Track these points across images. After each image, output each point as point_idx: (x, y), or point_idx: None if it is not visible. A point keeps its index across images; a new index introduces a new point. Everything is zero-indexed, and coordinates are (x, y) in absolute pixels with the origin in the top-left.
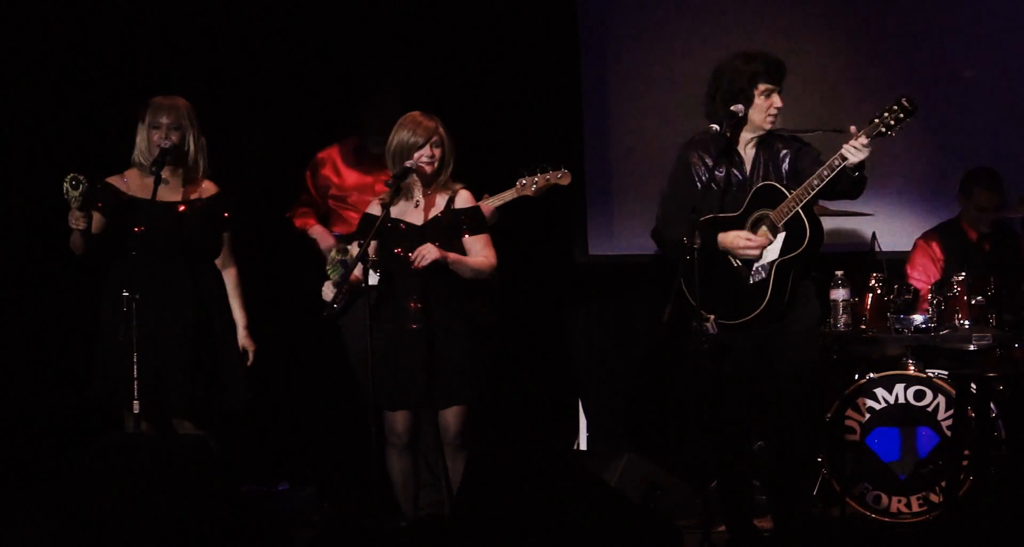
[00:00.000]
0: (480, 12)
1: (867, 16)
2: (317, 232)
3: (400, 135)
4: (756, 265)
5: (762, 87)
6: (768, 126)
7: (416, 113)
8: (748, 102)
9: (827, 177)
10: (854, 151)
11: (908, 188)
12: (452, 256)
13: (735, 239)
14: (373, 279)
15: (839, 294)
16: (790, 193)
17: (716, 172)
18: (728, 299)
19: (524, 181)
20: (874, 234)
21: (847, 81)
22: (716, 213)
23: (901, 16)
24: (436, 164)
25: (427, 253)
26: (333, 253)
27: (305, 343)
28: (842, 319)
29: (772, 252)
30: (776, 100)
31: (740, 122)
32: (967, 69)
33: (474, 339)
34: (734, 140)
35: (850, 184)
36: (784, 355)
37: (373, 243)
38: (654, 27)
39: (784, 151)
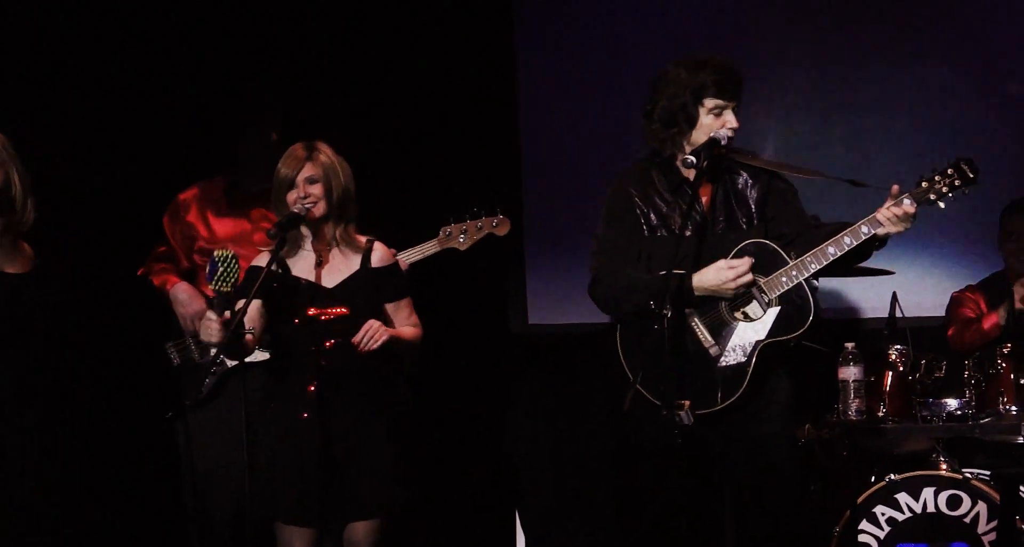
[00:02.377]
0: (399, 24)
1: (880, 18)
2: (182, 291)
3: (276, 174)
4: (732, 344)
5: (710, 103)
6: (723, 152)
7: (297, 144)
8: (691, 122)
9: (848, 246)
10: (895, 220)
11: (937, 238)
12: (397, 333)
13: (718, 274)
14: (260, 355)
15: (850, 373)
16: (791, 258)
17: (665, 211)
18: (692, 384)
19: (450, 230)
20: (894, 296)
21: (850, 107)
22: (671, 265)
23: (929, 17)
24: (320, 207)
25: (377, 333)
26: (217, 255)
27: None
28: (854, 404)
29: (757, 330)
30: (730, 119)
31: (711, 150)
32: (1019, 88)
33: (390, 433)
34: (699, 177)
35: (865, 255)
36: (755, 452)
37: (258, 305)
38: (606, 45)
39: (749, 182)
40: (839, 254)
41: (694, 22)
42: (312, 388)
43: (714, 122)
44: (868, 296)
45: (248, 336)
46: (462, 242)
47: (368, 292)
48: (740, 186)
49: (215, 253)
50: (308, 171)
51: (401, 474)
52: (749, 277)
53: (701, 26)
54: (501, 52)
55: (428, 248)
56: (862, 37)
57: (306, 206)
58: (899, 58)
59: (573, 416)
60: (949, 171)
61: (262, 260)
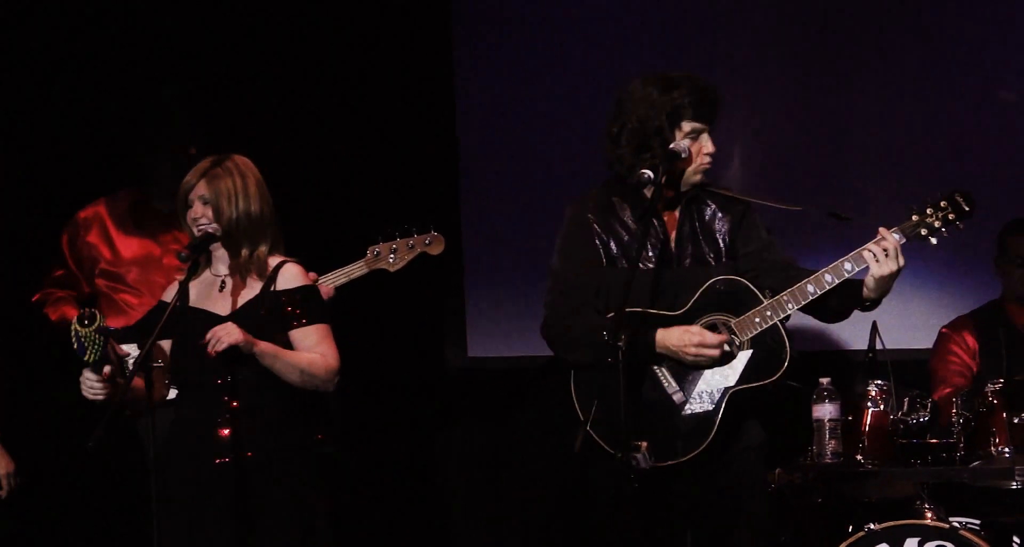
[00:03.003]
0: (331, 30)
1: (858, 27)
2: None
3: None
4: (699, 390)
5: (687, 127)
6: (697, 179)
7: (212, 156)
8: (666, 147)
9: (829, 285)
10: (881, 259)
11: (924, 261)
12: (265, 345)
13: (683, 337)
14: (169, 393)
15: (825, 411)
16: (765, 298)
17: (627, 241)
18: (652, 432)
19: (378, 249)
20: (875, 326)
21: (829, 125)
22: (628, 298)
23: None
24: (217, 228)
25: (224, 334)
26: (76, 323)
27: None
28: (829, 446)
29: (727, 375)
30: (707, 144)
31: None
32: (1010, 95)
33: (310, 480)
34: (656, 197)
35: (848, 307)
36: (722, 498)
37: (167, 342)
38: (552, 60)
39: (718, 215)
40: (818, 293)
41: (648, 35)
42: (223, 432)
43: (691, 146)
44: (846, 326)
45: (156, 372)
46: (392, 262)
47: (267, 318)
48: (708, 217)
49: (73, 328)
50: (201, 189)
51: (323, 526)
52: (715, 353)
53: (656, 40)
54: (439, 62)
55: (354, 270)
56: (841, 46)
57: (202, 228)
58: (883, 67)
59: (517, 460)
60: (942, 204)
61: (169, 294)
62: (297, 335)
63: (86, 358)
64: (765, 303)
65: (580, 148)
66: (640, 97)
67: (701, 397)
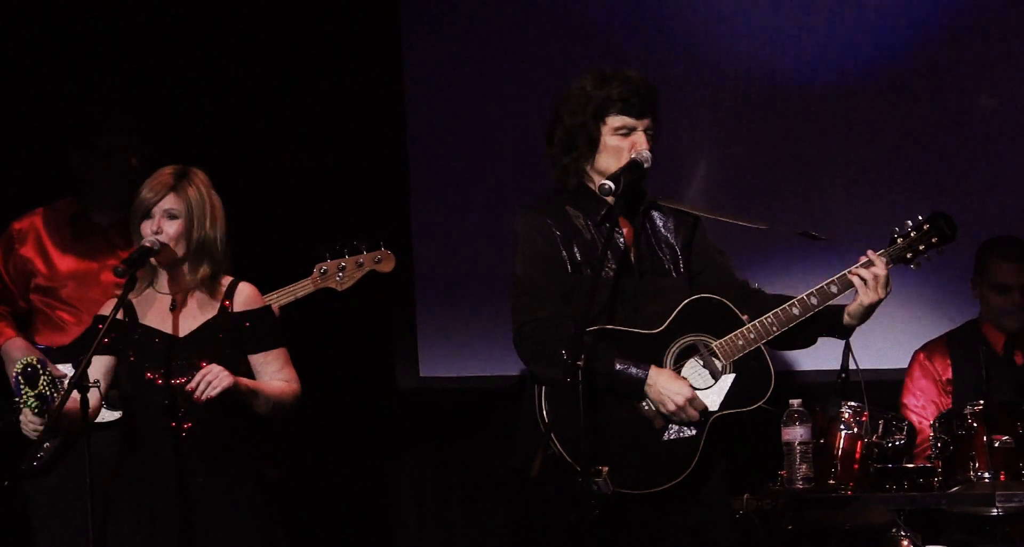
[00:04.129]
0: (278, 37)
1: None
2: (16, 348)
3: (138, 193)
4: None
5: (614, 122)
6: (641, 178)
7: (167, 168)
8: (593, 144)
9: (815, 307)
10: (871, 285)
11: (900, 277)
12: (248, 383)
13: (670, 392)
14: (109, 415)
15: (796, 434)
16: (744, 319)
17: (588, 249)
18: (626, 457)
19: (325, 267)
20: (848, 345)
21: (801, 137)
22: (590, 310)
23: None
24: (174, 246)
25: (216, 378)
26: (20, 367)
27: None
28: (800, 471)
29: (710, 400)
30: (640, 140)
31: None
32: (990, 102)
33: (262, 508)
34: (617, 207)
35: (823, 334)
36: (685, 525)
37: (106, 359)
38: (506, 62)
39: (671, 225)
40: (805, 316)
41: (609, 40)
42: (170, 454)
43: (621, 143)
44: (817, 345)
45: (93, 391)
46: (340, 281)
47: (226, 342)
48: (660, 226)
49: (16, 368)
50: (169, 203)
51: None
52: (695, 417)
53: (617, 47)
54: (388, 72)
55: (301, 289)
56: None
57: (160, 242)
58: (859, 70)
59: (471, 484)
60: (926, 227)
61: (107, 308)
62: (259, 360)
63: (25, 404)
64: (748, 325)
65: (536, 160)
66: (574, 92)
67: (684, 423)
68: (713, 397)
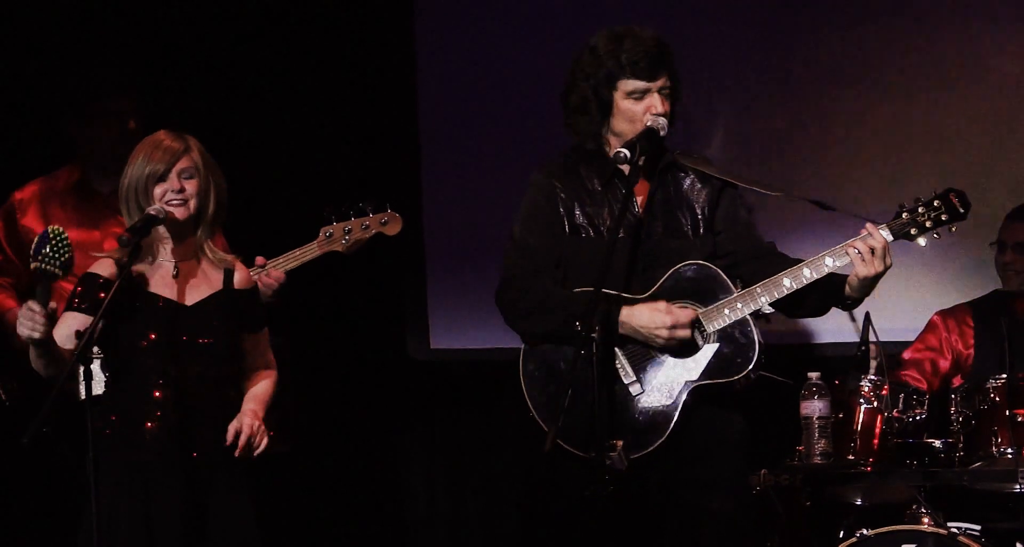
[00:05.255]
0: None
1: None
2: (16, 318)
3: (134, 166)
4: (657, 382)
5: (626, 86)
6: (660, 146)
7: (162, 132)
8: (606, 109)
9: (808, 280)
10: (867, 258)
11: (920, 247)
12: (261, 409)
13: (653, 317)
14: (98, 385)
15: (814, 408)
16: (736, 288)
17: (591, 210)
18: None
19: (330, 230)
20: (867, 317)
21: (821, 102)
22: (594, 274)
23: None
24: (190, 207)
25: (259, 437)
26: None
27: None
28: (818, 446)
29: (689, 368)
30: (655, 103)
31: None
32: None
33: (253, 480)
34: (633, 176)
35: (827, 305)
36: (700, 501)
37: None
38: (523, 19)
39: (697, 185)
40: (794, 288)
41: (623, 5)
42: (168, 424)
43: (635, 107)
44: (836, 316)
45: (96, 363)
46: (345, 244)
47: (229, 317)
48: (686, 187)
49: (48, 229)
50: (185, 163)
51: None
52: (687, 333)
53: (631, 10)
54: (398, 29)
55: (306, 253)
56: (832, 22)
57: (171, 204)
58: (877, 45)
59: (481, 457)
60: (935, 203)
61: (102, 268)
62: (250, 340)
63: (39, 262)
64: (736, 293)
65: (550, 122)
66: (586, 55)
67: (659, 390)
68: (693, 365)
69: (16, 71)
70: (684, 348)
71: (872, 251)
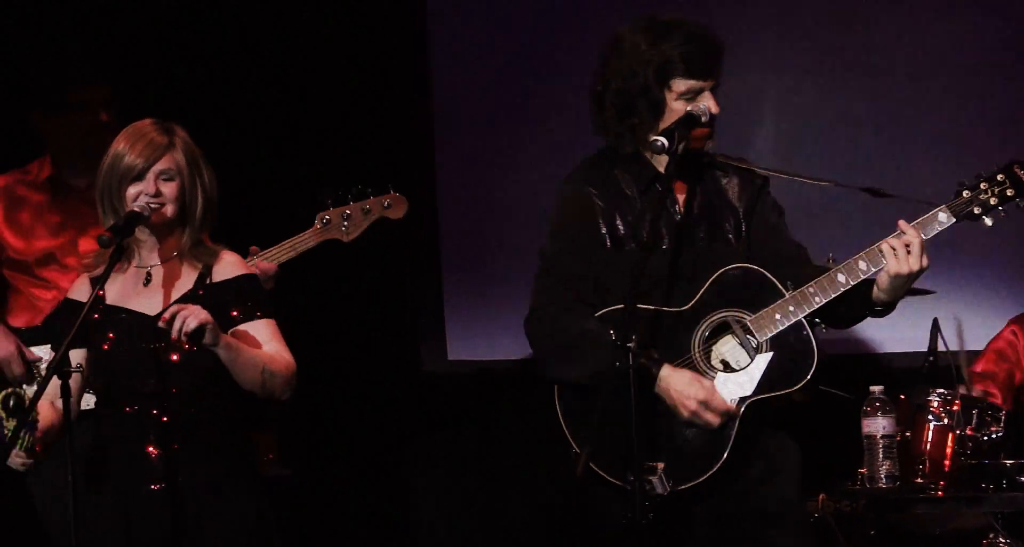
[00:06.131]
0: None
1: None
2: None
3: (110, 158)
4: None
5: (680, 86)
6: (705, 146)
7: (147, 121)
8: (657, 110)
9: (864, 274)
10: (901, 255)
11: (994, 247)
12: (232, 340)
13: (689, 387)
14: (85, 401)
15: (878, 426)
16: (787, 290)
17: (633, 219)
18: (652, 452)
19: (328, 216)
20: (936, 324)
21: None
22: (639, 287)
23: None
24: (167, 212)
25: (191, 314)
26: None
27: None
28: (883, 468)
29: (742, 383)
30: (709, 104)
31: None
32: None
33: (257, 507)
34: (671, 169)
35: (858, 309)
36: (755, 533)
37: (77, 353)
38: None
39: (736, 183)
40: (851, 284)
41: None
42: (153, 450)
43: (687, 108)
44: (901, 324)
45: (75, 376)
46: (345, 231)
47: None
48: (724, 185)
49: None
50: (166, 163)
51: None
52: (715, 421)
53: None
54: (405, 22)
55: (302, 242)
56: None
57: (152, 205)
58: (936, 19)
59: (501, 479)
60: (999, 178)
61: (79, 292)
62: (241, 333)
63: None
64: (787, 296)
65: (572, 120)
66: (627, 49)
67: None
68: (746, 380)
69: None
70: (733, 362)
71: (908, 248)
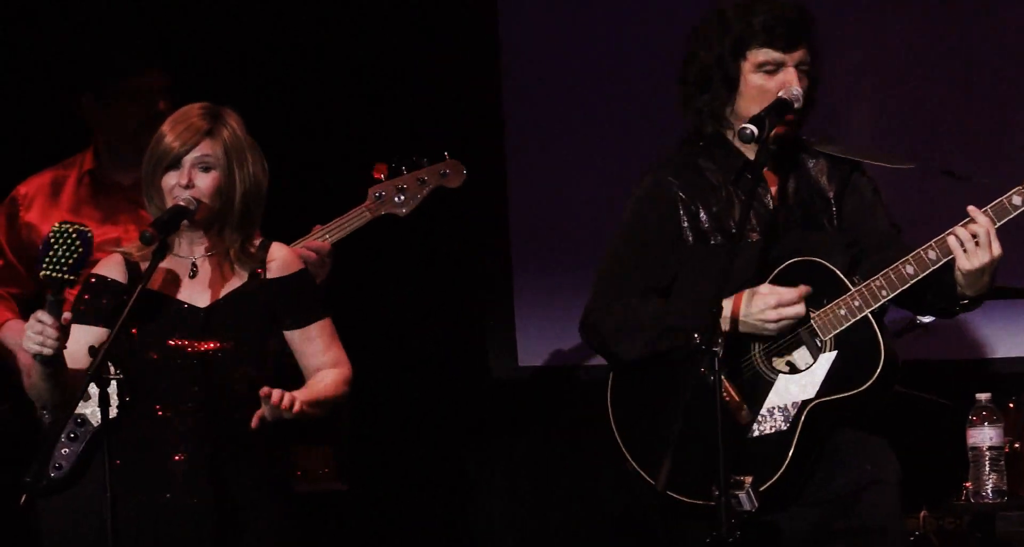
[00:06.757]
0: None
1: None
2: (14, 331)
3: (151, 146)
4: (770, 404)
5: (758, 56)
6: (789, 129)
7: (197, 105)
8: (731, 84)
9: (933, 264)
10: (969, 248)
11: None
12: (307, 397)
13: (755, 301)
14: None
15: (985, 436)
16: (851, 283)
17: (718, 210)
18: (709, 460)
19: (381, 191)
20: None
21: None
22: (728, 282)
23: None
24: (207, 203)
25: (279, 394)
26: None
27: None
28: (990, 482)
29: (804, 386)
30: (791, 79)
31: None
32: None
33: (297, 524)
34: (761, 159)
35: (945, 303)
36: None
37: (99, 332)
38: None
39: (826, 168)
40: (919, 276)
41: None
42: (179, 458)
43: (766, 83)
44: (1009, 327)
45: (116, 380)
46: (400, 204)
47: (259, 315)
48: (813, 172)
49: (55, 227)
50: (203, 149)
51: None
52: (800, 310)
53: None
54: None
55: (354, 219)
56: None
57: (194, 199)
58: None
59: (574, 492)
60: None
61: (109, 268)
62: (300, 337)
63: (46, 269)
64: (852, 290)
65: (656, 110)
66: (713, 18)
67: (773, 414)
68: (808, 382)
69: (30, 47)
70: (798, 362)
71: (975, 239)
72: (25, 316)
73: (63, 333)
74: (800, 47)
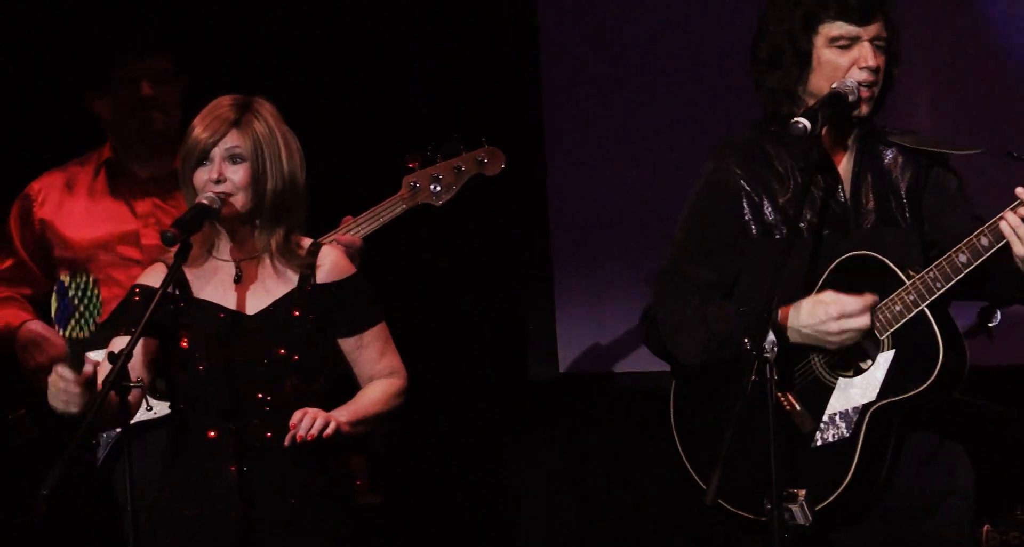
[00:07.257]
0: None
1: None
2: (33, 332)
3: (185, 136)
4: (832, 411)
5: (830, 30)
6: (863, 112)
7: (228, 96)
8: (803, 60)
9: (986, 251)
10: (1020, 232)
11: None
12: (351, 416)
13: (815, 310)
14: (157, 407)
15: None
16: (907, 277)
17: (784, 202)
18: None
19: (416, 180)
20: None
21: None
22: (794, 281)
23: None
24: (240, 198)
25: (311, 419)
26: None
27: None
28: None
29: (864, 388)
30: (866, 55)
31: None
32: None
33: (347, 539)
34: (814, 155)
35: (1018, 287)
36: None
37: (147, 342)
38: None
39: (900, 160)
40: (974, 264)
41: None
42: (233, 468)
43: (839, 58)
44: None
45: (134, 392)
46: (436, 194)
47: (309, 321)
48: (888, 163)
49: (62, 279)
50: (232, 140)
51: None
52: (865, 321)
53: None
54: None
55: (388, 209)
56: None
57: (220, 196)
58: None
59: (619, 503)
60: None
61: (153, 277)
62: (354, 345)
63: (64, 330)
64: (907, 284)
65: (730, 86)
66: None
67: (835, 422)
68: (867, 384)
69: (41, 39)
70: (855, 361)
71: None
72: (37, 314)
73: (86, 387)
74: (876, 20)
